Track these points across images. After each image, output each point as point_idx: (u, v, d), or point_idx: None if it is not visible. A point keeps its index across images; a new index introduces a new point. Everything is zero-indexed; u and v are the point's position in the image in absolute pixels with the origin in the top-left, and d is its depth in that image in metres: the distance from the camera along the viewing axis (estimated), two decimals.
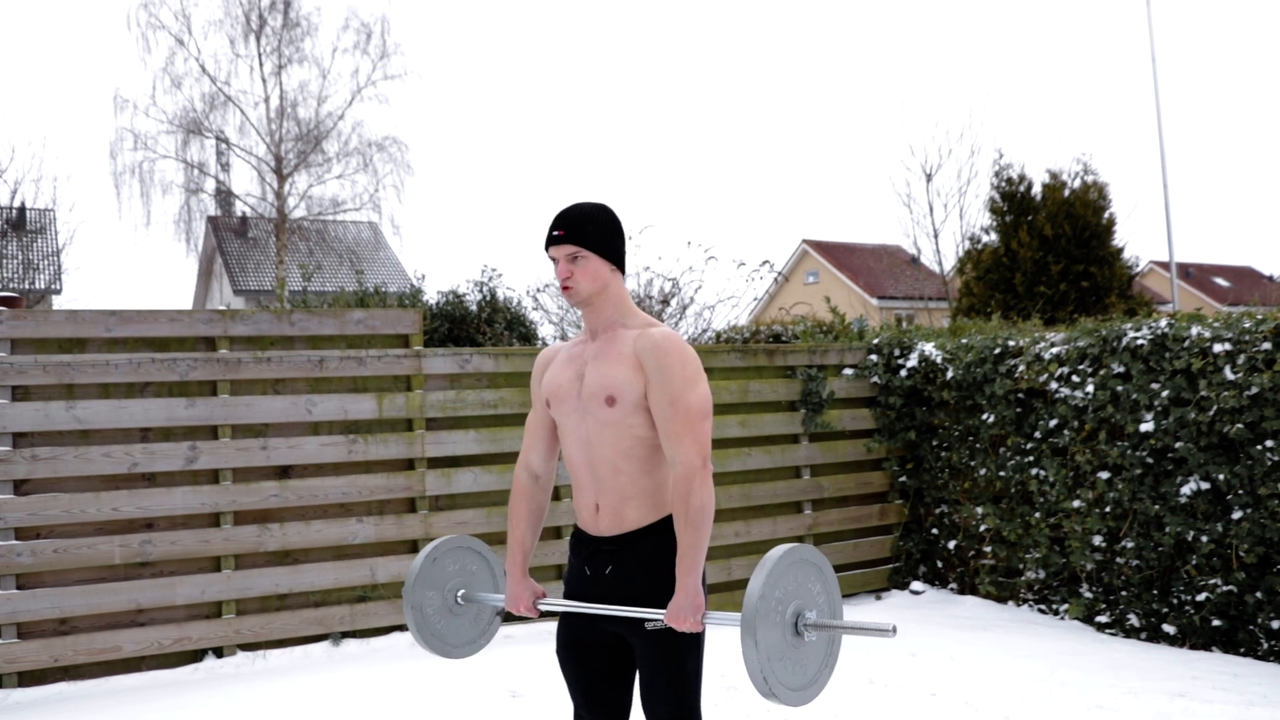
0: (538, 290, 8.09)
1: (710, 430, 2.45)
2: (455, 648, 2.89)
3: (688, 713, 2.49)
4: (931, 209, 20.06)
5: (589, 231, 2.53)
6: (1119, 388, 5.79)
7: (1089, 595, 6.07)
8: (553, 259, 2.56)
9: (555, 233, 2.54)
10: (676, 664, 2.47)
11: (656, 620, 2.42)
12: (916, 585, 7.15)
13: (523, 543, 2.72)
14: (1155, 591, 5.74)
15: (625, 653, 2.62)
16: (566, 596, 2.64)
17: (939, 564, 7.18)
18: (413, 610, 2.80)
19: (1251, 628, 5.35)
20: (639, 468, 2.52)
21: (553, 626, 5.60)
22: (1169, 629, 5.64)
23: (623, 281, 2.59)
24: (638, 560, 2.51)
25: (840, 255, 37.87)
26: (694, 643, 2.49)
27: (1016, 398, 6.46)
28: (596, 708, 2.63)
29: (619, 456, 2.51)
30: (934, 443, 7.12)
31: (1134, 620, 5.82)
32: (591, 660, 2.62)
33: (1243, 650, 5.39)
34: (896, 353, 7.31)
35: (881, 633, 2.28)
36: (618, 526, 2.53)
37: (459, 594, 2.88)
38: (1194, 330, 5.55)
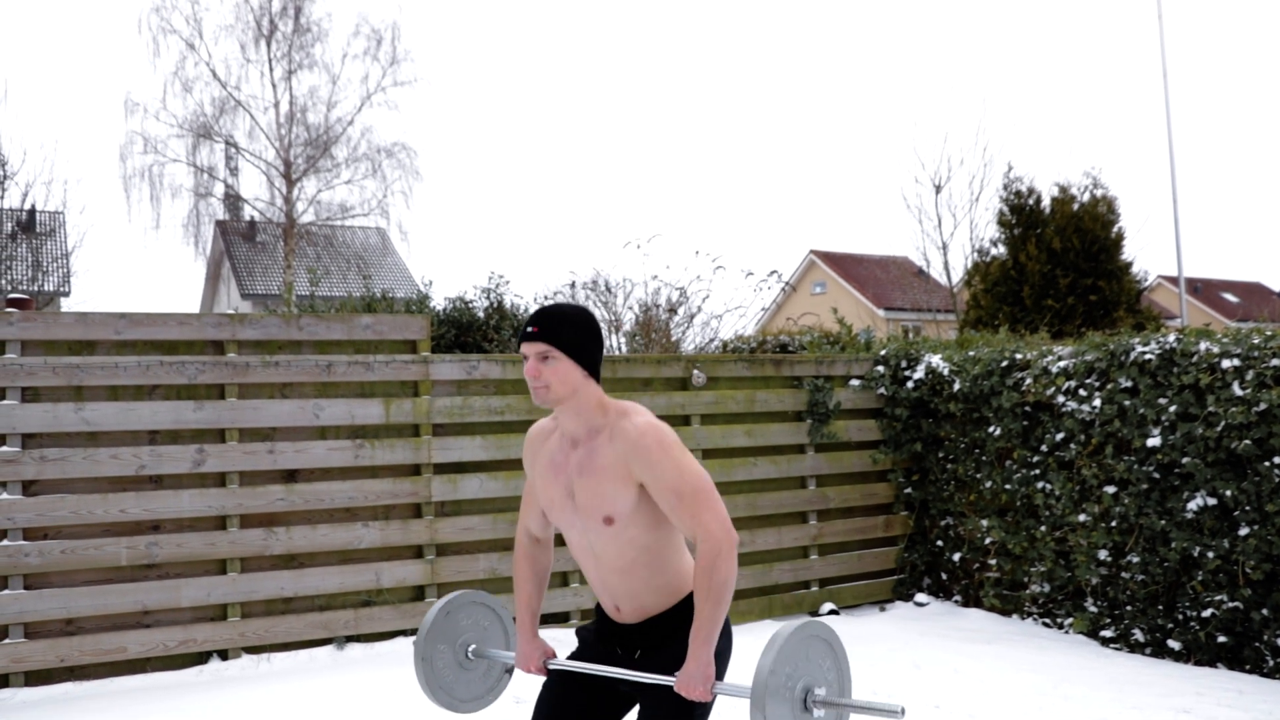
0: (545, 298, 8.10)
1: (717, 495, 2.43)
2: (463, 702, 2.88)
3: None
4: (940, 221, 20.05)
5: (564, 333, 2.44)
6: (1126, 402, 5.79)
7: (1094, 609, 6.05)
8: (524, 356, 2.49)
9: (530, 329, 2.47)
10: (685, 712, 2.43)
11: (668, 682, 2.42)
12: (921, 597, 7.14)
13: (529, 603, 2.72)
14: (1161, 607, 5.73)
15: (617, 708, 2.60)
16: (582, 645, 2.64)
17: (944, 576, 7.17)
18: (423, 663, 2.80)
19: (1257, 644, 5.34)
20: (649, 570, 2.50)
21: (562, 635, 5.60)
22: (1174, 644, 5.62)
23: (596, 386, 2.51)
24: (666, 645, 2.51)
25: (848, 266, 37.86)
26: (705, 707, 2.47)
27: (1023, 411, 6.45)
28: None
29: (626, 565, 2.49)
30: (940, 455, 7.12)
31: (1139, 635, 5.80)
32: (580, 699, 2.58)
33: (1248, 667, 5.37)
34: (903, 364, 7.31)
35: (891, 715, 2.27)
36: (641, 616, 2.53)
37: (470, 649, 2.88)
38: (1202, 345, 5.55)
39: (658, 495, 2.40)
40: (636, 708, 2.55)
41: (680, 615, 2.51)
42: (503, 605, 2.98)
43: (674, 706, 2.42)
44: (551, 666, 2.67)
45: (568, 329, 2.45)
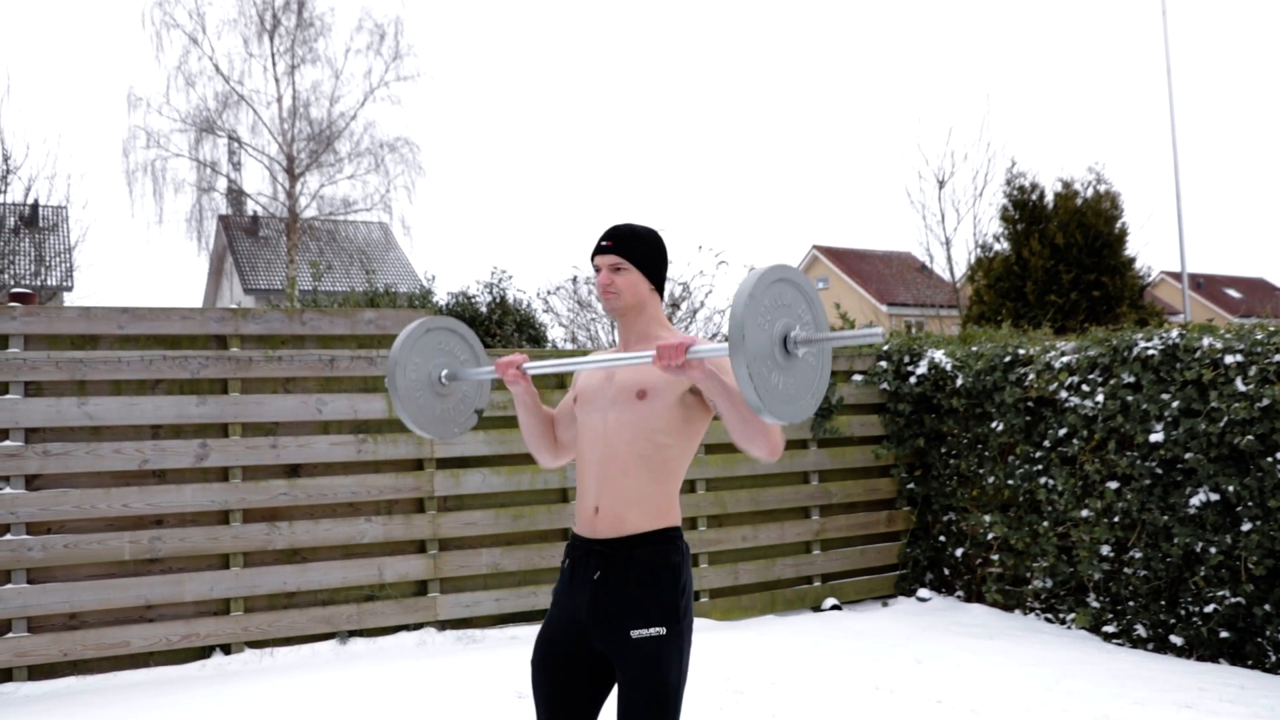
0: (548, 293, 8.11)
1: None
2: (430, 421, 2.91)
3: None
4: (943, 216, 20.02)
5: (635, 247, 2.59)
6: (1129, 398, 5.78)
7: (1096, 605, 6.05)
8: (596, 268, 2.62)
9: (604, 243, 2.60)
10: (660, 675, 2.40)
11: (644, 631, 2.39)
12: (923, 592, 7.14)
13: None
14: (1163, 602, 5.72)
15: (602, 675, 2.55)
16: (554, 605, 2.60)
17: (946, 571, 7.17)
18: (398, 368, 2.82)
19: (1260, 640, 5.33)
20: (648, 475, 2.49)
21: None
22: (1176, 640, 5.62)
23: (660, 303, 2.65)
24: (628, 567, 2.46)
25: (850, 261, 37.83)
26: (678, 656, 2.44)
27: (1026, 406, 6.45)
28: None
29: (631, 458, 2.49)
30: (942, 450, 7.12)
31: (1141, 631, 5.80)
32: (565, 676, 2.55)
33: (1250, 663, 5.37)
34: (906, 360, 7.30)
35: (871, 337, 2.24)
36: (616, 529, 2.49)
37: (444, 374, 2.91)
38: (1205, 341, 5.54)
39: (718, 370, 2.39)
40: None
41: (650, 544, 2.48)
42: (475, 338, 3.01)
43: (652, 676, 2.41)
44: (528, 368, 2.73)
45: (639, 244, 2.60)
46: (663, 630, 2.42)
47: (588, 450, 2.59)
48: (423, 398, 2.90)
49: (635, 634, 2.41)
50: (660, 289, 2.66)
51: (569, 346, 8.48)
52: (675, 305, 8.37)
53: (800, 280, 2.33)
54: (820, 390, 2.37)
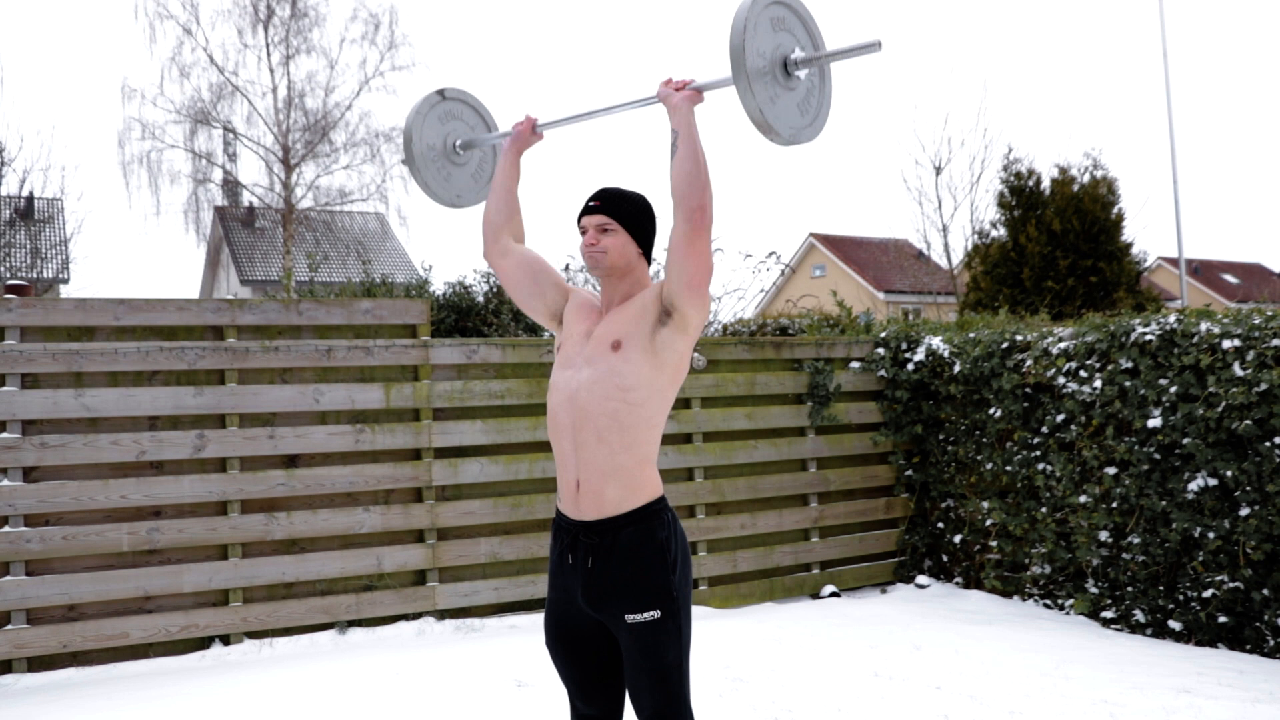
0: None
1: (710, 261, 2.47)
2: (445, 188, 2.96)
3: (673, 708, 2.46)
4: (940, 203, 20.00)
5: (623, 209, 2.57)
6: (1127, 383, 5.78)
7: (1095, 590, 6.06)
8: (583, 230, 2.59)
9: (591, 203, 2.59)
10: (658, 657, 2.44)
11: (638, 616, 2.42)
12: (922, 579, 7.15)
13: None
14: (1161, 587, 5.73)
15: (614, 642, 2.59)
16: (550, 588, 2.63)
17: (944, 558, 7.18)
18: (413, 134, 2.86)
19: (1258, 624, 5.35)
20: (620, 438, 2.48)
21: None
22: (1175, 625, 5.63)
23: (648, 271, 2.63)
24: (616, 553, 2.48)
25: (847, 249, 37.79)
26: (675, 635, 2.46)
27: (1024, 392, 6.45)
28: (590, 699, 2.62)
29: (603, 417, 2.48)
30: (940, 437, 7.12)
31: (1140, 616, 5.81)
32: (581, 652, 2.59)
33: (1249, 647, 5.39)
34: (903, 346, 7.30)
35: (869, 49, 2.24)
36: (598, 509, 2.49)
37: (458, 142, 2.93)
38: (1203, 326, 5.54)
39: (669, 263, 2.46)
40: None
41: (634, 523, 2.49)
42: (486, 108, 3.04)
43: (651, 658, 2.45)
44: (541, 125, 2.77)
45: (627, 205, 2.58)
46: (657, 613, 2.44)
47: (560, 413, 2.57)
48: (439, 165, 2.91)
49: (630, 619, 2.43)
50: (648, 254, 2.62)
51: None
52: None
53: (794, 2, 2.34)
54: (822, 116, 2.37)
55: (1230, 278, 44.23)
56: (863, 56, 2.24)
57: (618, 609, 2.45)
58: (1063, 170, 16.76)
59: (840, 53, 2.27)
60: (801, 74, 2.30)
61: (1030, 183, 16.75)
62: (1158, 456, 5.66)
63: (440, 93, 2.89)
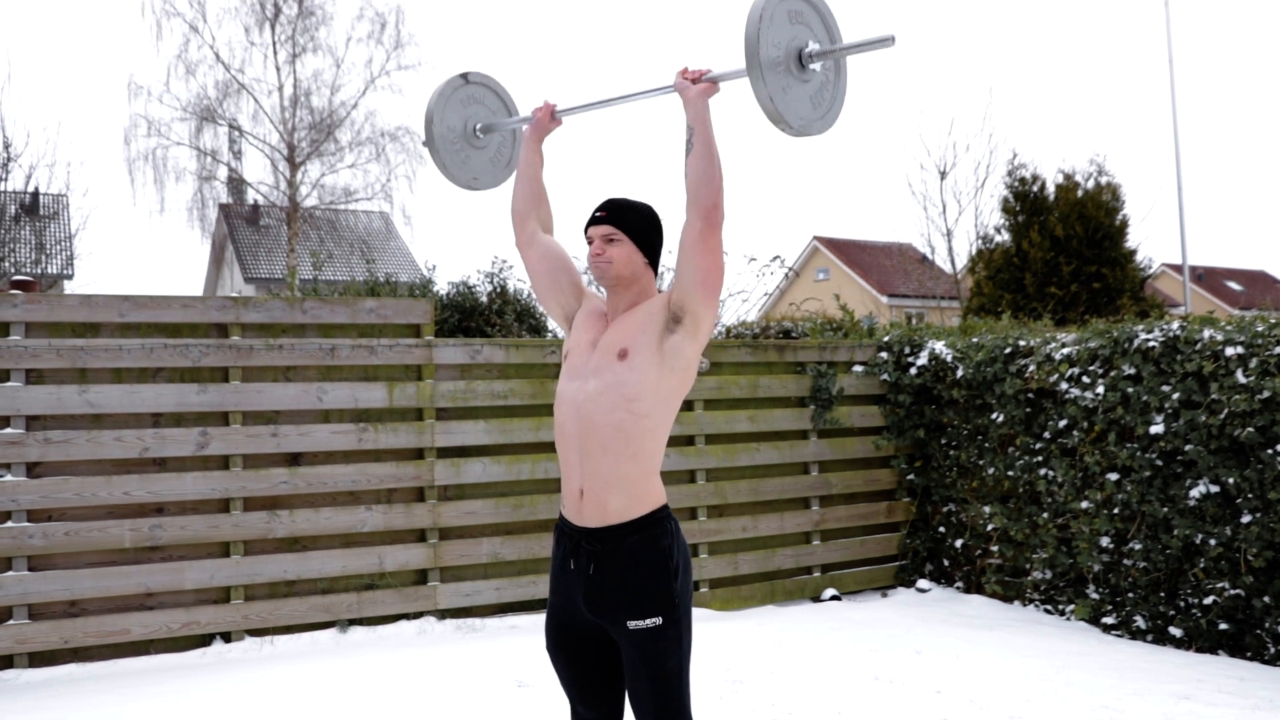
0: None
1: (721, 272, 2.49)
2: (463, 171, 2.98)
3: (674, 713, 2.46)
4: (945, 208, 20.00)
5: (630, 219, 2.56)
6: (1129, 389, 5.78)
7: (1095, 596, 6.06)
8: (589, 240, 2.58)
9: (598, 214, 2.58)
10: (658, 663, 2.44)
11: (640, 622, 2.42)
12: (923, 583, 7.15)
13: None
14: (1162, 594, 5.73)
15: (614, 646, 2.58)
16: (552, 592, 2.63)
17: (946, 563, 7.18)
18: (434, 118, 2.87)
19: (1259, 632, 5.34)
20: (625, 449, 2.47)
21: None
22: (1175, 631, 5.63)
23: (654, 281, 2.62)
24: (619, 560, 2.48)
25: (851, 252, 37.78)
26: (676, 642, 2.46)
27: (1026, 397, 6.45)
28: (590, 704, 2.62)
29: (609, 429, 2.48)
30: (943, 441, 7.12)
31: (1140, 622, 5.81)
32: (582, 657, 2.59)
33: (1249, 654, 5.38)
34: (907, 351, 7.30)
35: (882, 44, 2.26)
36: (601, 517, 2.49)
37: (478, 126, 2.93)
38: (1206, 333, 5.53)
39: (679, 269, 2.48)
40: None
41: (637, 532, 2.48)
42: (508, 92, 3.06)
43: (651, 664, 2.45)
44: (559, 111, 2.77)
45: (634, 216, 2.58)
46: (659, 620, 2.44)
47: (568, 424, 2.57)
48: (458, 148, 2.92)
49: (632, 625, 2.43)
50: (655, 265, 2.61)
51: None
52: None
53: None
54: (835, 110, 2.40)
55: (1234, 285, 44.17)
56: (876, 51, 2.27)
57: (619, 615, 2.45)
58: (1067, 176, 16.75)
59: (854, 46, 2.30)
60: (816, 67, 2.33)
61: (1035, 188, 16.74)
62: (1159, 463, 5.66)
63: (464, 76, 2.91)
